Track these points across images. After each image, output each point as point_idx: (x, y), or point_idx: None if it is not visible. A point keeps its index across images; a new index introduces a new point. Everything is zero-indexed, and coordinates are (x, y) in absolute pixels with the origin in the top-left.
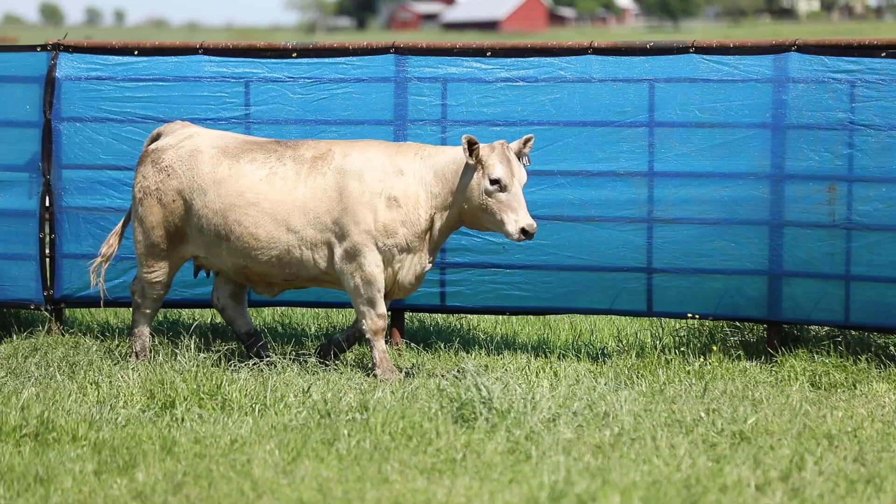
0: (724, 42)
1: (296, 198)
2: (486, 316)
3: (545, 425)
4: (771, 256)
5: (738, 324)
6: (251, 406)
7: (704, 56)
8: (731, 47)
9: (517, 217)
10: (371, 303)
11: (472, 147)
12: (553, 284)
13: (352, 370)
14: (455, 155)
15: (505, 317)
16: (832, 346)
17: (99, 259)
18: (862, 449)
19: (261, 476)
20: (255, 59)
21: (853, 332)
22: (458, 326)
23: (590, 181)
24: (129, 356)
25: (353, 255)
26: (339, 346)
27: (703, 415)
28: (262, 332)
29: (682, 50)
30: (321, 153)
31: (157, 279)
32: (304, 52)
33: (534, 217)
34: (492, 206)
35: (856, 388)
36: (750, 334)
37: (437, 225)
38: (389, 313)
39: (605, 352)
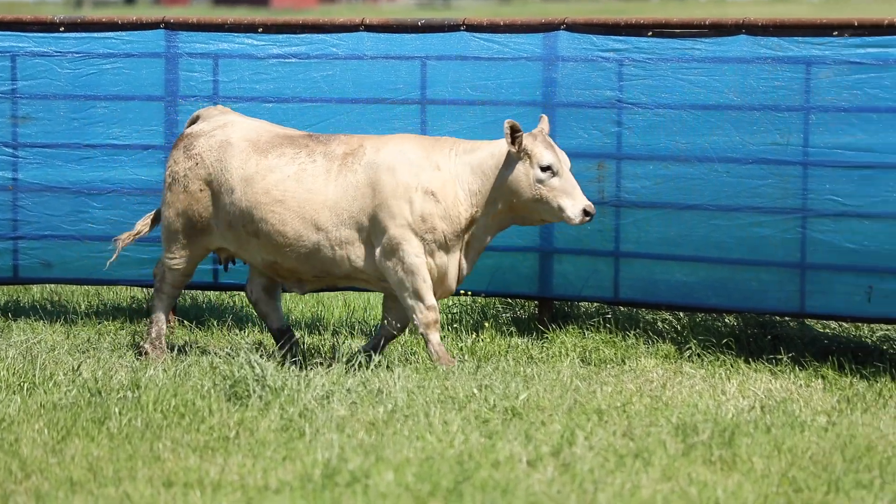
0: (495, 20)
1: (326, 197)
2: None
3: (319, 402)
4: (542, 233)
5: (510, 300)
6: (19, 384)
7: (475, 34)
8: (501, 25)
9: (574, 200)
10: (418, 295)
11: (514, 134)
12: None
13: (124, 349)
14: (493, 150)
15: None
16: (602, 322)
17: (129, 233)
18: (631, 424)
19: (29, 455)
20: (22, 33)
21: (622, 309)
22: (232, 304)
23: None
24: (144, 342)
25: (392, 249)
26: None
27: (475, 391)
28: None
29: (453, 28)
30: (352, 149)
31: (177, 266)
32: (72, 26)
33: None
34: (545, 194)
35: (625, 363)
36: (521, 311)
37: (482, 223)
38: None
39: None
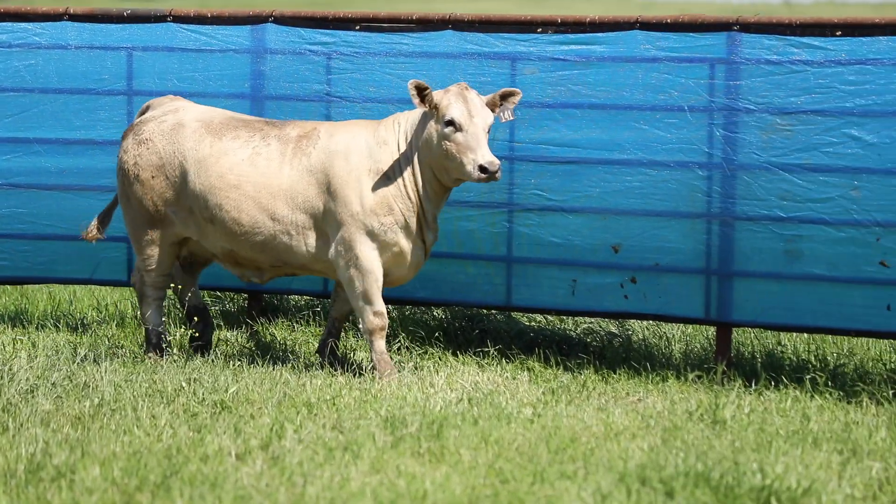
0: (202, 11)
1: (281, 181)
2: None
3: (23, 397)
4: None
5: (219, 294)
6: None
7: (182, 25)
8: (208, 17)
9: (475, 155)
10: (367, 298)
11: (421, 93)
12: (31, 254)
13: None
14: (418, 113)
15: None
16: (311, 315)
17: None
18: (340, 416)
19: None
20: None
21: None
22: None
23: (67, 149)
24: (147, 353)
25: (346, 245)
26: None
27: (184, 384)
28: None
29: (159, 18)
30: (306, 132)
31: (150, 266)
32: None
33: (11, 186)
34: (451, 150)
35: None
36: (231, 304)
37: (423, 193)
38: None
39: (85, 322)
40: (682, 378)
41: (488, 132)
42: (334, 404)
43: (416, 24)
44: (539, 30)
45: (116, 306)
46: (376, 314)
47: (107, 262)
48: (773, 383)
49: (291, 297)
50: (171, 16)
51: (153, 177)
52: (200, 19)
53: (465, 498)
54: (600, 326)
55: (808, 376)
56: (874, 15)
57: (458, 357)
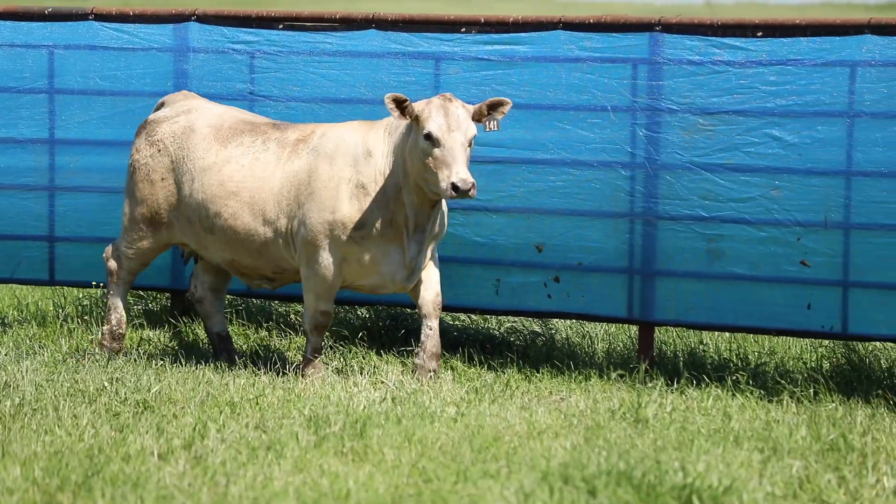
0: (124, 10)
1: (272, 185)
2: None
3: None
4: None
5: (142, 293)
6: None
7: (105, 24)
8: (130, 15)
9: (450, 172)
10: (318, 296)
11: (400, 105)
12: None
13: None
14: (404, 123)
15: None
16: (235, 314)
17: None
18: (264, 416)
19: None
20: None
21: (255, 301)
22: None
23: None
24: (103, 333)
25: (311, 246)
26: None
27: (106, 384)
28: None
29: (81, 17)
30: (305, 135)
31: (133, 256)
32: None
33: None
34: (429, 164)
35: (259, 355)
36: (154, 303)
37: (408, 201)
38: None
39: (6, 321)
40: (605, 377)
41: (470, 146)
42: (257, 404)
43: (340, 23)
44: (463, 29)
45: (38, 305)
46: (322, 313)
47: (28, 261)
48: (694, 382)
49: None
50: (94, 14)
51: (162, 179)
52: (123, 18)
53: (389, 497)
54: (524, 325)
55: (729, 375)
56: (795, 16)
57: (381, 356)
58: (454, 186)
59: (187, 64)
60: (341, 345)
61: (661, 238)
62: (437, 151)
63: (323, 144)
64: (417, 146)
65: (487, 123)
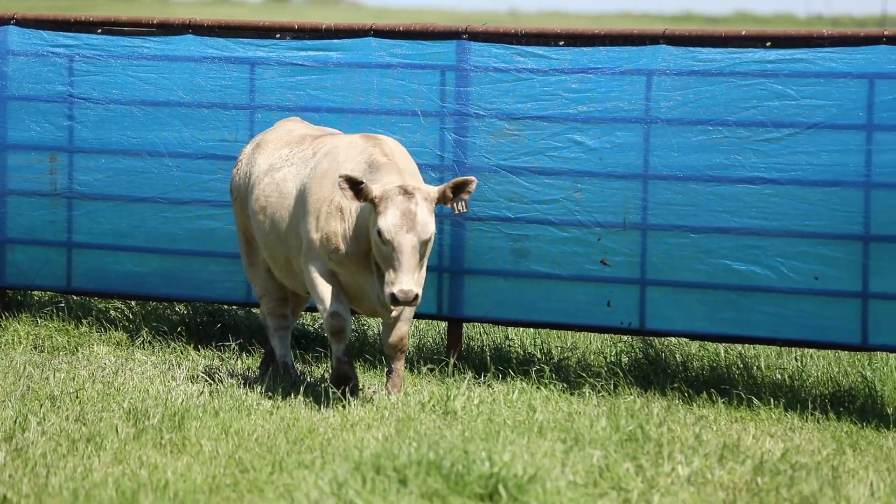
0: None
1: (290, 202)
2: None
3: None
4: None
5: None
6: None
7: None
8: None
9: (393, 278)
10: (321, 301)
11: (355, 187)
12: None
13: None
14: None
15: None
16: (55, 310)
17: None
18: (84, 409)
19: None
20: None
21: (75, 297)
22: None
23: None
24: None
25: (305, 259)
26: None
27: None
28: None
29: None
30: (315, 151)
31: (260, 293)
32: None
33: None
34: (379, 256)
35: (78, 350)
36: None
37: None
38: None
39: None
40: (416, 371)
41: (427, 245)
42: (77, 397)
43: (158, 28)
44: (277, 35)
45: None
46: (331, 315)
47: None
48: (501, 376)
49: (35, 292)
50: None
51: (236, 199)
52: None
53: (206, 487)
54: None
55: (534, 369)
56: (594, 25)
57: (199, 351)
58: (393, 298)
59: (6, 66)
60: (160, 340)
61: (469, 238)
62: (386, 250)
63: (321, 164)
64: (372, 227)
65: (455, 206)
